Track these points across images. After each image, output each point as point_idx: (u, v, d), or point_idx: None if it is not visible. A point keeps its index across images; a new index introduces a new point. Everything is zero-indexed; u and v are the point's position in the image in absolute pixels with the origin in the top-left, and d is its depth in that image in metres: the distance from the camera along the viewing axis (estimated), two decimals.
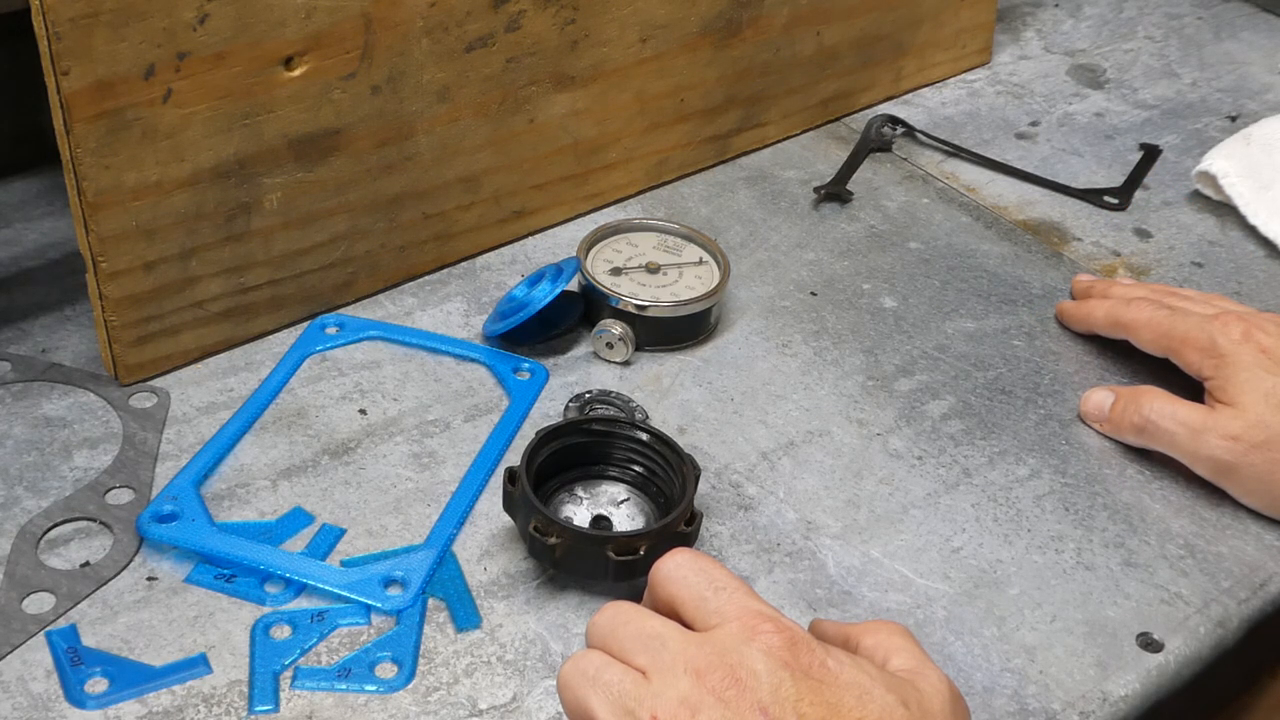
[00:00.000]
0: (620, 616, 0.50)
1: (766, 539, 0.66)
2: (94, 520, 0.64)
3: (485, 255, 0.83)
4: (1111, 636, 0.62)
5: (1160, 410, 0.70)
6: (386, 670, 0.58)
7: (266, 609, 0.61)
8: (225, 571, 0.62)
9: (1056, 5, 1.17)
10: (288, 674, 0.58)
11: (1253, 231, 0.90)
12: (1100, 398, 0.73)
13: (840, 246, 0.86)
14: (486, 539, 0.65)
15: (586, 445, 0.66)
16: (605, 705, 0.48)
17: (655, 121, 0.87)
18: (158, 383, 0.72)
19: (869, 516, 0.68)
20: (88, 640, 0.58)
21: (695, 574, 0.51)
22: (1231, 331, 0.70)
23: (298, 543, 0.64)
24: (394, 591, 0.61)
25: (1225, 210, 0.92)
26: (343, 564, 0.63)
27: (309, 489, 0.67)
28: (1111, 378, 0.77)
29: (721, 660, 0.47)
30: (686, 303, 0.76)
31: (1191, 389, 0.71)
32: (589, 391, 0.73)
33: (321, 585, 0.61)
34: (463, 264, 0.82)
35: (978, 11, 1.03)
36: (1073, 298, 0.82)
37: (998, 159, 0.95)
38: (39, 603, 0.60)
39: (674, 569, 0.52)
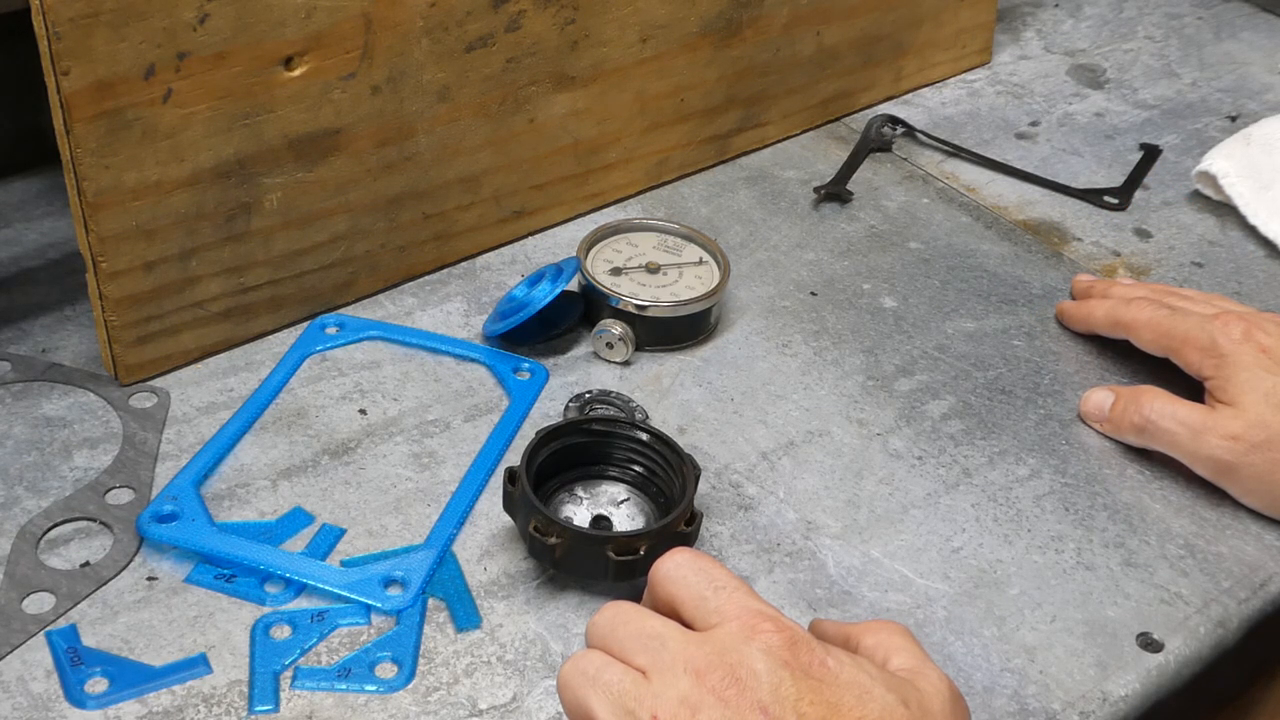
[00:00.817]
0: (620, 616, 0.50)
1: (766, 539, 0.66)
2: (94, 520, 0.64)
3: (485, 255, 0.83)
4: (1111, 636, 0.62)
5: (1160, 410, 0.70)
6: (386, 670, 0.58)
7: (266, 609, 0.61)
8: (225, 571, 0.62)
9: (1056, 5, 1.17)
10: (288, 674, 0.58)
11: (1253, 231, 0.90)
12: (1100, 398, 0.73)
13: (840, 246, 0.86)
14: (486, 539, 0.65)
15: (586, 445, 0.66)
16: (605, 705, 0.48)
17: (655, 121, 0.87)
18: (158, 383, 0.72)
19: (869, 516, 0.68)
20: (88, 640, 0.58)
21: (695, 573, 0.51)
22: (1232, 331, 0.70)
23: (298, 543, 0.64)
24: (394, 591, 0.61)
25: (1225, 210, 0.92)
26: (343, 564, 0.63)
27: (309, 489, 0.67)
28: (1111, 378, 0.77)
29: (721, 660, 0.47)
30: (686, 303, 0.76)
31: (1192, 389, 0.71)
32: (589, 391, 0.73)
33: (321, 585, 0.61)
34: (463, 264, 0.82)
35: (978, 11, 1.04)
36: (1073, 298, 0.82)
37: (998, 159, 0.95)
38: (39, 603, 0.60)
39: (673, 569, 0.52)
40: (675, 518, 0.61)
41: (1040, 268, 0.86)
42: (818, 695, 0.47)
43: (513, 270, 0.82)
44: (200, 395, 0.71)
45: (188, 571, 0.62)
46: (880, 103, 1.01)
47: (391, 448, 0.69)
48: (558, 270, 0.75)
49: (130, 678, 0.57)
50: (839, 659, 0.49)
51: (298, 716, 0.56)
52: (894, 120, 0.98)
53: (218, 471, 0.67)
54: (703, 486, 0.67)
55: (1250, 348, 0.69)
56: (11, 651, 0.58)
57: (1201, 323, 0.71)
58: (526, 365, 0.75)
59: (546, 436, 0.64)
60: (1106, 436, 0.73)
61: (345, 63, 0.70)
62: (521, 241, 0.84)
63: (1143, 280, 0.85)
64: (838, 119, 0.99)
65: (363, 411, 0.71)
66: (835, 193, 0.90)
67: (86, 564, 0.62)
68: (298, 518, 0.65)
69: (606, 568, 0.60)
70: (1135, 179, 0.95)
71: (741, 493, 0.68)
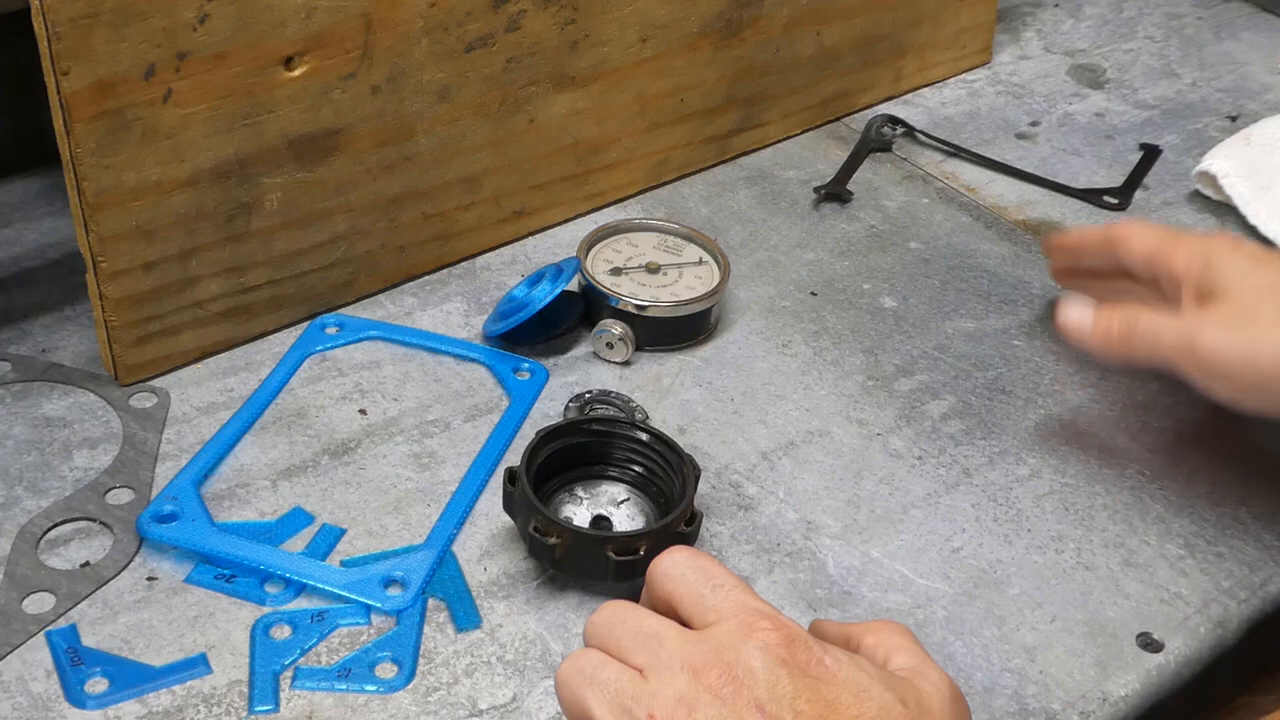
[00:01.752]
0: (618, 615, 0.50)
1: (766, 539, 0.66)
2: (94, 520, 0.64)
3: (485, 255, 0.83)
4: (1111, 636, 0.62)
5: (1145, 317, 0.66)
6: (386, 670, 0.58)
7: (266, 609, 0.61)
8: (225, 571, 0.62)
9: (1056, 5, 1.17)
10: (288, 674, 0.58)
11: (1253, 231, 0.89)
12: (1080, 312, 0.69)
13: (840, 246, 0.86)
14: (486, 539, 0.65)
15: (586, 445, 0.66)
16: (603, 704, 0.47)
17: (655, 121, 0.87)
18: (158, 383, 0.72)
19: (869, 516, 0.68)
20: (88, 640, 0.59)
21: (693, 572, 0.51)
22: (1224, 242, 0.67)
23: (298, 543, 0.64)
24: (394, 591, 0.61)
25: (1225, 210, 0.92)
26: (343, 564, 0.63)
27: (309, 489, 0.67)
28: (1111, 377, 0.77)
29: (718, 658, 0.47)
30: (686, 303, 0.76)
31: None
32: (589, 391, 0.73)
33: (321, 585, 0.61)
34: (463, 264, 0.82)
35: (978, 11, 1.04)
36: (1046, 254, 0.79)
37: (998, 159, 0.95)
38: (39, 603, 0.60)
39: (671, 567, 0.52)
40: (675, 518, 0.61)
41: (1040, 268, 0.86)
42: (815, 693, 0.47)
43: (513, 270, 0.82)
44: (200, 395, 0.71)
45: (188, 571, 0.62)
46: (880, 103, 1.01)
47: (391, 448, 0.69)
48: (558, 270, 0.75)
49: (130, 678, 0.57)
50: (836, 657, 0.48)
51: (298, 716, 0.56)
52: (894, 120, 0.98)
53: (218, 471, 0.67)
54: (703, 486, 0.67)
55: (1242, 254, 0.66)
56: (11, 651, 0.58)
57: (1196, 241, 0.68)
58: (526, 365, 0.75)
59: (546, 436, 0.64)
60: (1105, 435, 0.73)
61: (345, 63, 0.70)
62: (521, 241, 0.84)
63: None
64: (838, 119, 0.99)
65: (363, 411, 0.71)
66: (835, 193, 0.90)
67: (86, 564, 0.62)
68: (298, 518, 0.65)
69: (606, 568, 0.60)
70: (1135, 179, 0.95)
71: (741, 493, 0.68)
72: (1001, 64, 1.08)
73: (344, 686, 0.58)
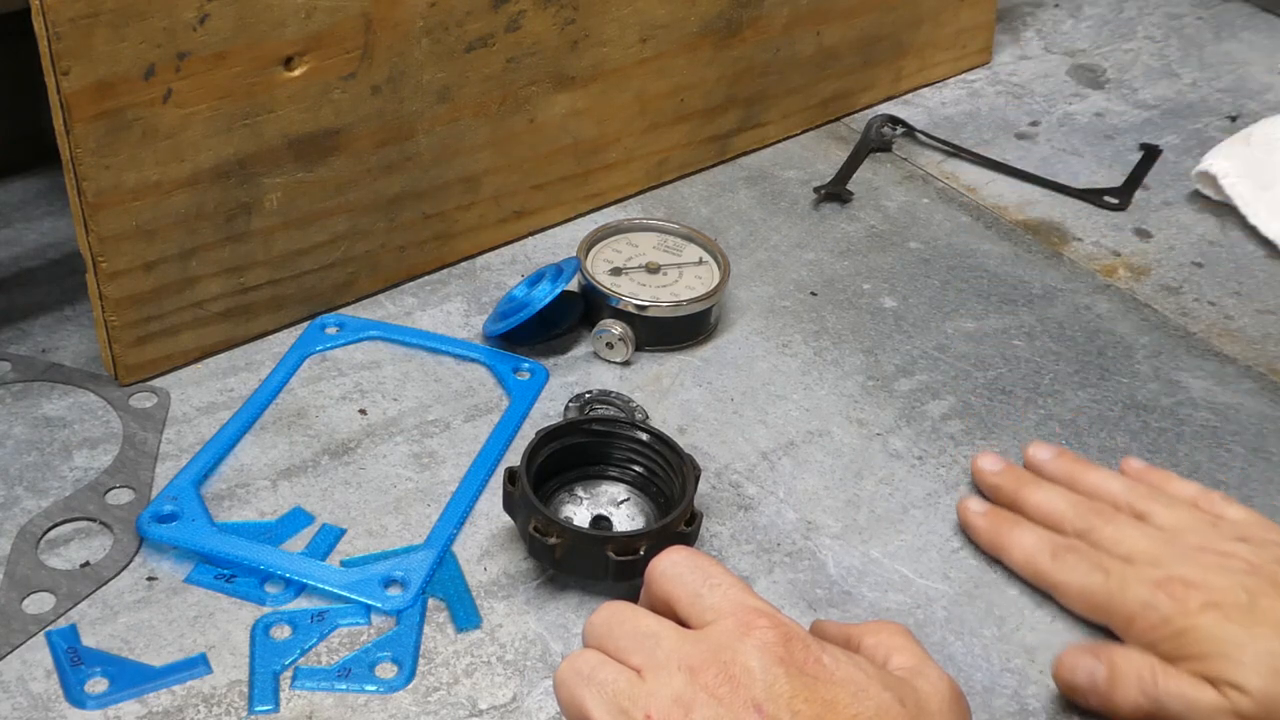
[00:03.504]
0: (616, 616, 0.50)
1: (766, 539, 0.66)
2: (94, 520, 0.64)
3: (485, 255, 0.83)
4: (1112, 636, 0.62)
5: (1167, 688, 0.56)
6: (386, 670, 0.58)
7: (266, 609, 0.61)
8: (225, 571, 0.62)
9: (1056, 5, 1.17)
10: (288, 674, 0.58)
11: (1253, 231, 0.90)
12: (1089, 666, 0.58)
13: (840, 246, 0.86)
14: (486, 539, 0.65)
15: (586, 445, 0.66)
16: (600, 704, 0.47)
17: (655, 121, 0.87)
18: (158, 383, 0.72)
19: (869, 516, 0.68)
20: (88, 640, 0.59)
21: (690, 571, 0.51)
22: (1188, 603, 0.57)
23: (298, 543, 0.64)
24: (394, 591, 0.61)
25: (1225, 210, 0.92)
26: (343, 564, 0.63)
27: (309, 489, 0.67)
28: (1111, 378, 0.77)
29: (715, 657, 0.47)
30: (686, 303, 0.76)
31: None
32: (589, 391, 0.73)
33: (321, 585, 0.61)
34: (463, 264, 0.82)
35: (978, 11, 1.04)
36: (974, 484, 0.69)
37: (998, 159, 0.95)
38: (39, 603, 0.60)
39: (669, 566, 0.52)
40: (675, 518, 0.61)
41: (1040, 268, 0.86)
42: (812, 693, 0.47)
43: (513, 270, 0.82)
44: (200, 395, 0.71)
45: (188, 571, 0.62)
46: (880, 103, 1.01)
47: (391, 448, 0.69)
48: (558, 270, 0.76)
49: (130, 678, 0.57)
50: (835, 656, 0.48)
51: (298, 716, 0.56)
52: (894, 120, 0.98)
53: (218, 471, 0.67)
54: (703, 486, 0.67)
55: (1215, 616, 0.56)
56: (11, 651, 0.58)
57: (1149, 596, 0.58)
58: (526, 365, 0.75)
59: (546, 436, 0.64)
60: (1105, 435, 0.73)
61: (345, 63, 0.70)
62: (521, 241, 0.84)
63: (1142, 281, 0.85)
64: (838, 119, 0.99)
65: (363, 411, 0.71)
66: (835, 193, 0.90)
67: (86, 564, 0.62)
68: (298, 518, 0.65)
69: (606, 568, 0.60)
70: (1135, 179, 0.95)
71: (741, 493, 0.68)
72: (1001, 64, 1.08)
73: (344, 686, 0.58)
